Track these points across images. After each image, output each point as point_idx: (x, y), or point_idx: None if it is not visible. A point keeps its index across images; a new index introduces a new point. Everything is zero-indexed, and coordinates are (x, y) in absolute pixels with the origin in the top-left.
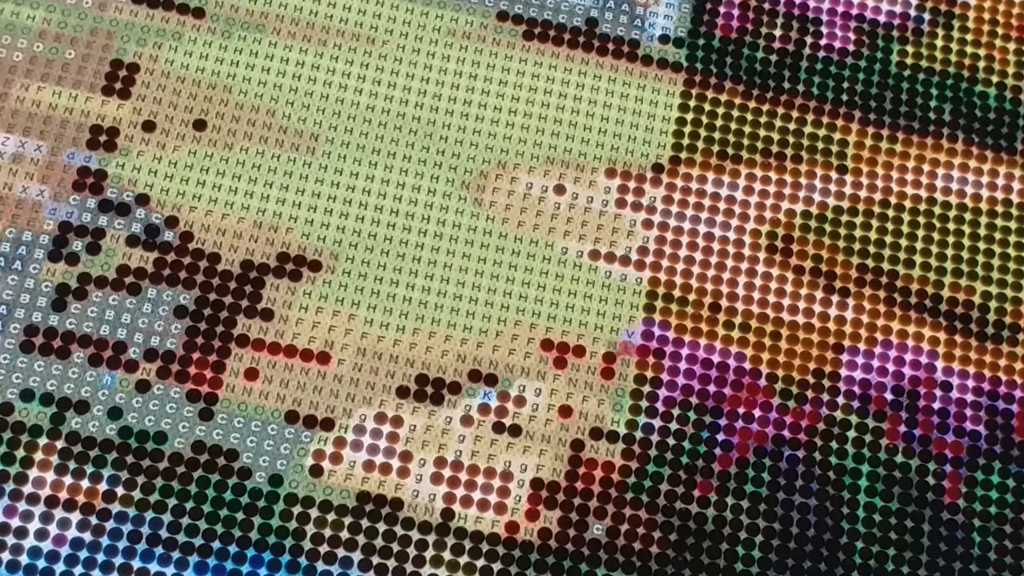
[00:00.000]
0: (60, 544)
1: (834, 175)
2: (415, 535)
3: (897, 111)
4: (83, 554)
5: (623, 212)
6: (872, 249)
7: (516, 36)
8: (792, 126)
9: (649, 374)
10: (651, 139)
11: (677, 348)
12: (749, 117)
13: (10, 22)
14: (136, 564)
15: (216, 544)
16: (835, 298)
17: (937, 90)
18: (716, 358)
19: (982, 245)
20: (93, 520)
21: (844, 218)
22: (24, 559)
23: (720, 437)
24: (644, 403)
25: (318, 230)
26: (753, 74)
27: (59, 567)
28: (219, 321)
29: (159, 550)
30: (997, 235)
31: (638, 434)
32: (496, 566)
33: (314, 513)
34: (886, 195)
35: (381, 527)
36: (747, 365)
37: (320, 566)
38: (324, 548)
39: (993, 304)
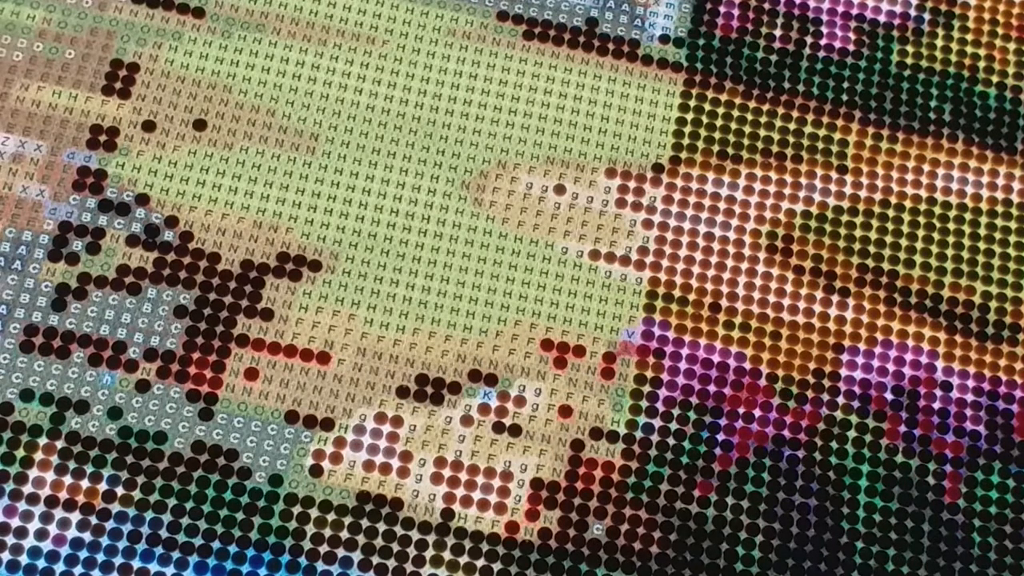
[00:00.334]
0: (60, 544)
1: (834, 175)
2: (415, 535)
3: (897, 111)
4: (83, 554)
5: (623, 212)
6: (872, 249)
7: (516, 36)
8: (792, 126)
9: (649, 374)
10: (651, 139)
11: (677, 348)
12: (749, 117)
13: (10, 22)
14: (136, 564)
15: (216, 544)
16: (835, 298)
17: (937, 90)
18: (716, 358)
19: (982, 245)
20: (93, 520)
21: (844, 218)
22: (24, 559)
23: (720, 437)
24: (644, 403)
25: (318, 230)
26: (753, 74)
27: (59, 567)
28: (219, 321)
29: (159, 550)
30: (997, 235)
31: (638, 434)
32: (496, 566)
33: (314, 513)
34: (886, 195)
35: (381, 527)
36: (747, 365)
37: (320, 566)
38: (324, 548)
39: (993, 304)
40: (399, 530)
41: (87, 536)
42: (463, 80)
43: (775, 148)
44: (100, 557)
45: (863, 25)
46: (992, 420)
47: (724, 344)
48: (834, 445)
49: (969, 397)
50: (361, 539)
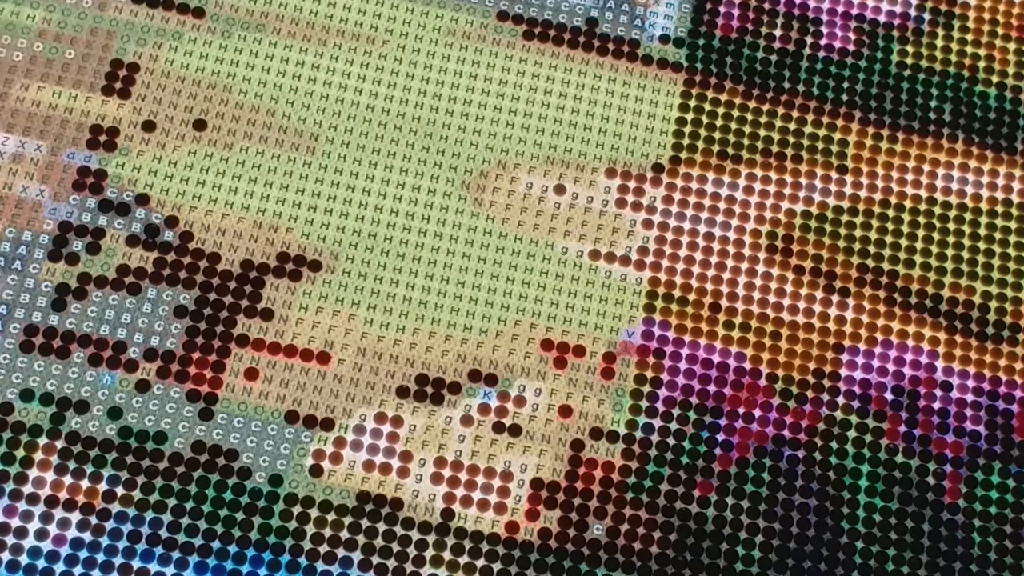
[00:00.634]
0: (60, 544)
1: (834, 175)
2: (415, 535)
3: (897, 111)
4: (83, 554)
5: (623, 212)
6: (872, 249)
7: (516, 36)
8: (792, 126)
9: (649, 374)
10: (651, 139)
11: (677, 348)
12: (749, 117)
13: (10, 22)
14: (136, 564)
15: (216, 544)
16: (835, 298)
17: (937, 90)
18: (716, 358)
19: (982, 245)
20: (93, 520)
21: (844, 218)
22: (24, 559)
23: (720, 437)
24: (644, 403)
25: (318, 230)
26: (753, 74)
27: (59, 567)
28: (219, 321)
29: (159, 550)
30: (997, 235)
31: (638, 434)
32: (496, 566)
33: (314, 513)
34: (886, 195)
35: (381, 527)
36: (747, 365)
37: (320, 566)
38: (324, 548)
39: (993, 304)
40: (399, 530)
41: (87, 536)
42: (463, 80)
43: (775, 148)
44: (100, 557)
45: (863, 25)
46: (992, 420)
47: (724, 344)
48: (834, 445)
49: (969, 397)
50: (361, 539)
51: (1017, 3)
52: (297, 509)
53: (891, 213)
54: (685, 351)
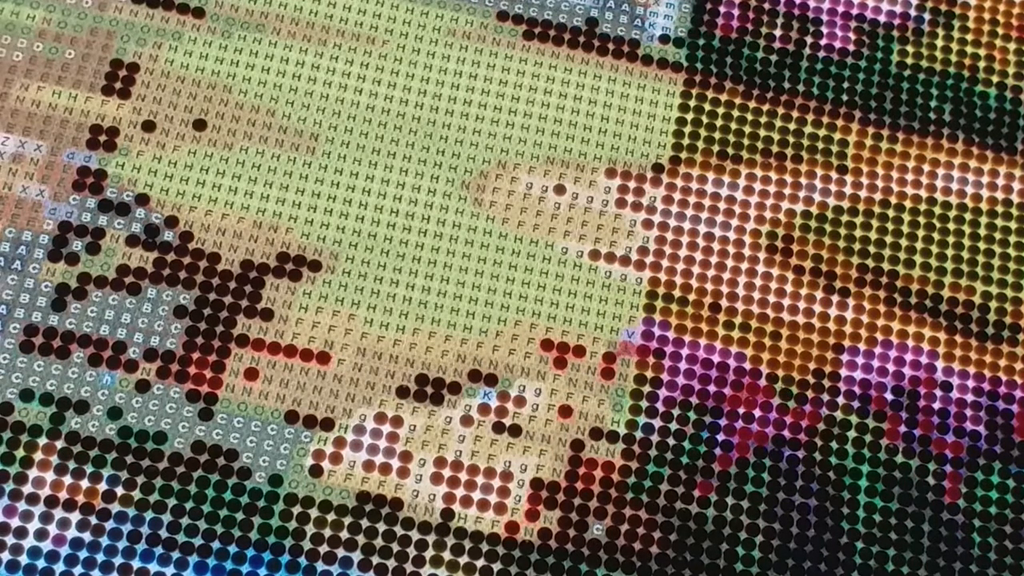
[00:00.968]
0: (60, 544)
1: (834, 175)
2: (415, 535)
3: (897, 111)
4: (83, 554)
5: (623, 212)
6: (872, 249)
7: (516, 36)
8: (792, 126)
9: (649, 374)
10: (651, 139)
11: (677, 348)
12: (749, 117)
13: (10, 22)
14: (136, 564)
15: (216, 544)
16: (835, 298)
17: (937, 90)
18: (716, 358)
19: (982, 245)
20: (93, 520)
21: (844, 218)
22: (24, 559)
23: (720, 437)
24: (644, 403)
25: (318, 230)
26: (753, 74)
27: (59, 567)
28: (219, 321)
29: (159, 550)
30: (997, 235)
31: (638, 434)
32: (496, 566)
33: (314, 513)
34: (886, 195)
35: (381, 527)
36: (747, 365)
37: (320, 566)
38: (324, 548)
39: (993, 304)
40: (399, 530)
41: (87, 536)
42: (463, 80)
43: (775, 148)
44: (100, 557)
45: (863, 25)
46: (992, 420)
47: (724, 344)
48: (834, 445)
49: (969, 397)
50: (361, 539)
51: (1017, 3)
52: (297, 509)
53: (891, 213)
54: (685, 351)
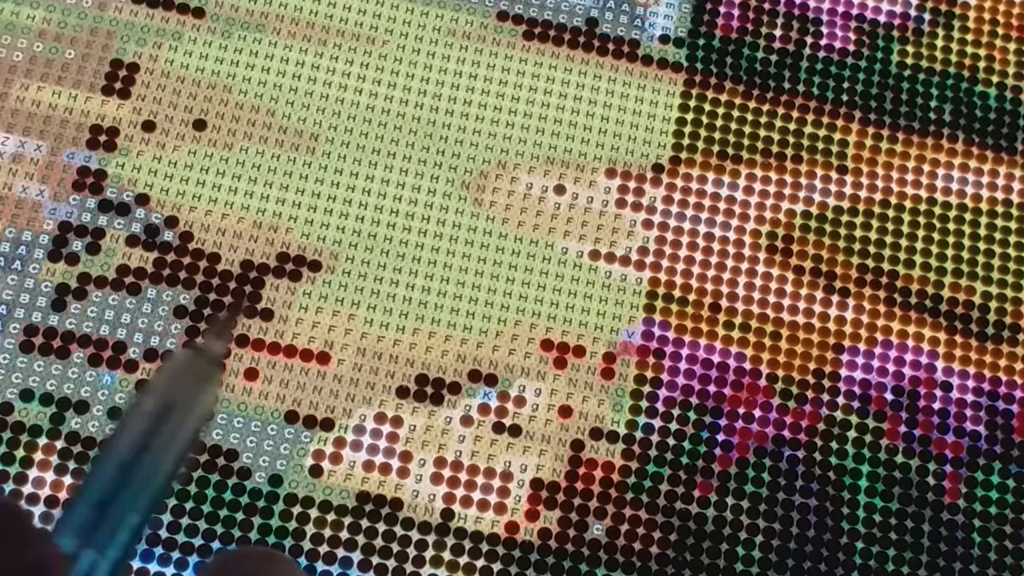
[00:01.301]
0: None
1: (834, 175)
2: (415, 535)
3: (897, 111)
4: None
5: (623, 212)
6: (872, 249)
7: (516, 36)
8: (792, 126)
9: (649, 374)
10: (651, 139)
11: (677, 348)
12: (749, 117)
13: (10, 22)
14: (136, 564)
15: (216, 544)
16: (835, 298)
17: (937, 90)
18: (716, 358)
19: (982, 245)
20: None
21: (844, 218)
22: None
23: (720, 437)
24: (644, 403)
25: (318, 230)
26: (753, 74)
27: None
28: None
29: (159, 550)
30: (997, 235)
31: (638, 434)
32: (496, 566)
33: (314, 513)
34: (886, 195)
35: (381, 527)
36: (747, 365)
37: (320, 566)
38: (324, 548)
39: (993, 304)
40: (399, 530)
41: None
42: (463, 80)
43: (775, 148)
44: None
45: (863, 25)
46: (992, 420)
47: (724, 344)
48: (834, 445)
49: (969, 397)
50: (361, 539)
51: (1017, 3)
52: (297, 509)
53: (891, 213)
54: (685, 351)
